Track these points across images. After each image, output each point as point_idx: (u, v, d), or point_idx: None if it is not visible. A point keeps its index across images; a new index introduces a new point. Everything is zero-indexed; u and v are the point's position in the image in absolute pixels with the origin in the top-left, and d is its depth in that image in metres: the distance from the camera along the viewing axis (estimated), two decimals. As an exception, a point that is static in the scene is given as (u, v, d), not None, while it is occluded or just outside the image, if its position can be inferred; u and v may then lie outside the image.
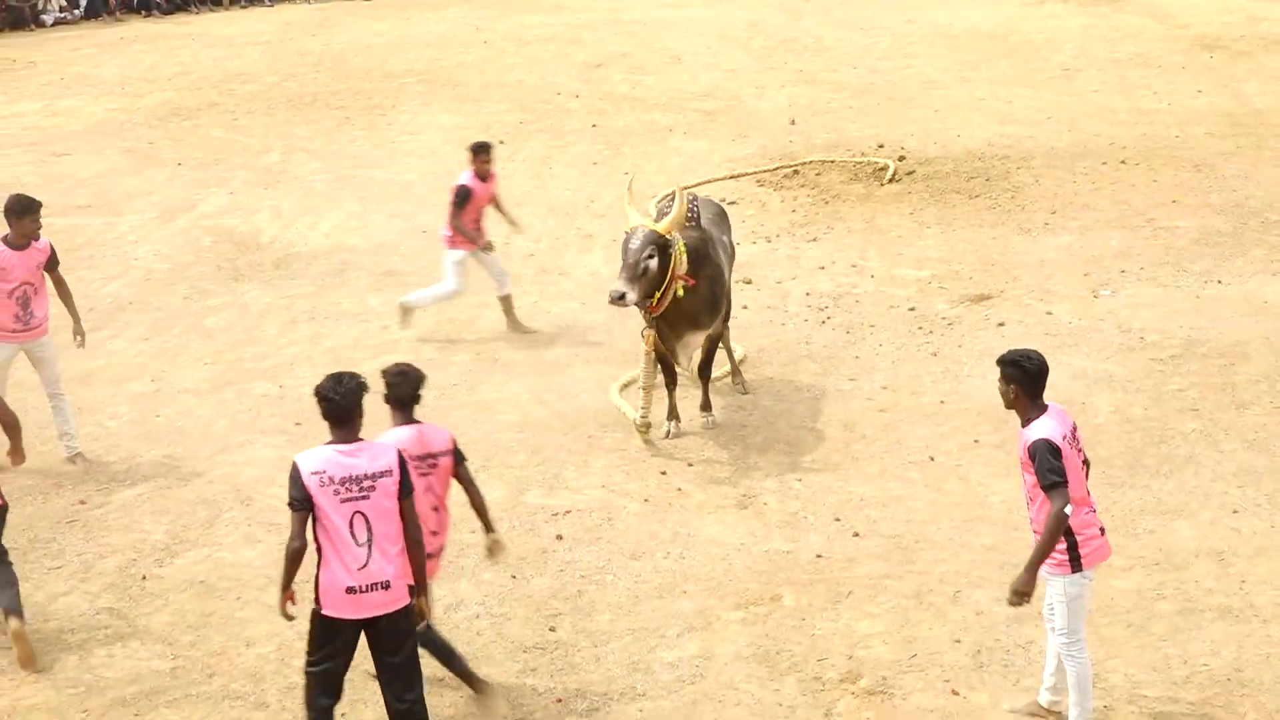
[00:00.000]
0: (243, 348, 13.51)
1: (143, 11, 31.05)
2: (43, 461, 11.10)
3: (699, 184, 17.84)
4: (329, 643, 7.33)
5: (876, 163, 18.45)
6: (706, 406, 11.95)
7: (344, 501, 7.08)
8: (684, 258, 11.30)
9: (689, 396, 12.05)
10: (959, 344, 13.27)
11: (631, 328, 13.40)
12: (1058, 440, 7.46)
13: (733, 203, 16.84)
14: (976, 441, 11.38)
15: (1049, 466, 7.43)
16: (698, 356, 12.09)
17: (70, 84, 24.14)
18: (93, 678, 8.51)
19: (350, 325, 14.05)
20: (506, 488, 10.78)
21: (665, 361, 11.81)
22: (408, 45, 26.44)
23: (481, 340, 13.67)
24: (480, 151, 13.80)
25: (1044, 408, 7.63)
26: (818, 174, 18.31)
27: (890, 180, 17.84)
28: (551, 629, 9.01)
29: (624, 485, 10.88)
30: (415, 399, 8.06)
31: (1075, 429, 7.71)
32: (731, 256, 12.35)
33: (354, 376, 7.37)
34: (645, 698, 8.29)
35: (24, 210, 10.89)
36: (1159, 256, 15.23)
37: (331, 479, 7.09)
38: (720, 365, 12.46)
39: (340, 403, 7.23)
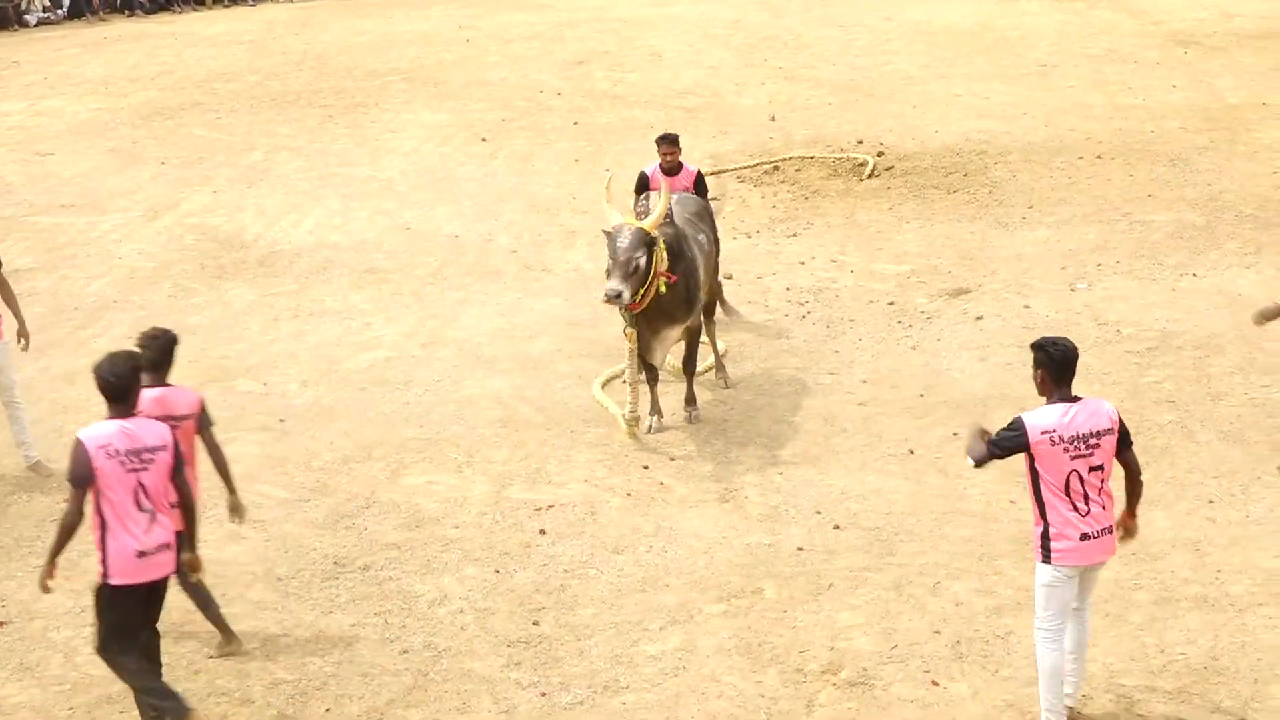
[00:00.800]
0: (226, 345, 13.48)
1: (126, 11, 30.93)
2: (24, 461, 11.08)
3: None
4: (125, 613, 7.58)
5: (856, 158, 18.46)
6: (690, 401, 11.94)
7: (129, 472, 7.43)
8: (664, 254, 11.33)
9: (671, 392, 12.05)
10: (938, 338, 13.28)
11: (616, 322, 13.40)
12: (1040, 429, 7.41)
13: (715, 199, 16.82)
14: (955, 434, 11.37)
15: (1000, 434, 7.48)
16: (681, 350, 12.09)
17: (54, 83, 24.03)
18: (78, 675, 8.48)
19: (333, 322, 14.01)
20: (490, 483, 10.77)
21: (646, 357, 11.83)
22: (390, 44, 26.38)
23: (464, 337, 13.64)
24: (662, 143, 13.33)
25: (1071, 398, 7.52)
26: (798, 170, 18.32)
27: (869, 176, 17.85)
28: (535, 623, 8.99)
29: (606, 480, 10.87)
30: (166, 362, 8.48)
31: (1099, 434, 7.47)
32: (708, 253, 12.32)
33: (131, 357, 7.72)
34: (628, 690, 8.28)
35: None
36: (1135, 250, 15.26)
37: (119, 451, 7.42)
38: (703, 359, 12.46)
39: (117, 383, 7.53)
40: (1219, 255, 15.03)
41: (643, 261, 11.13)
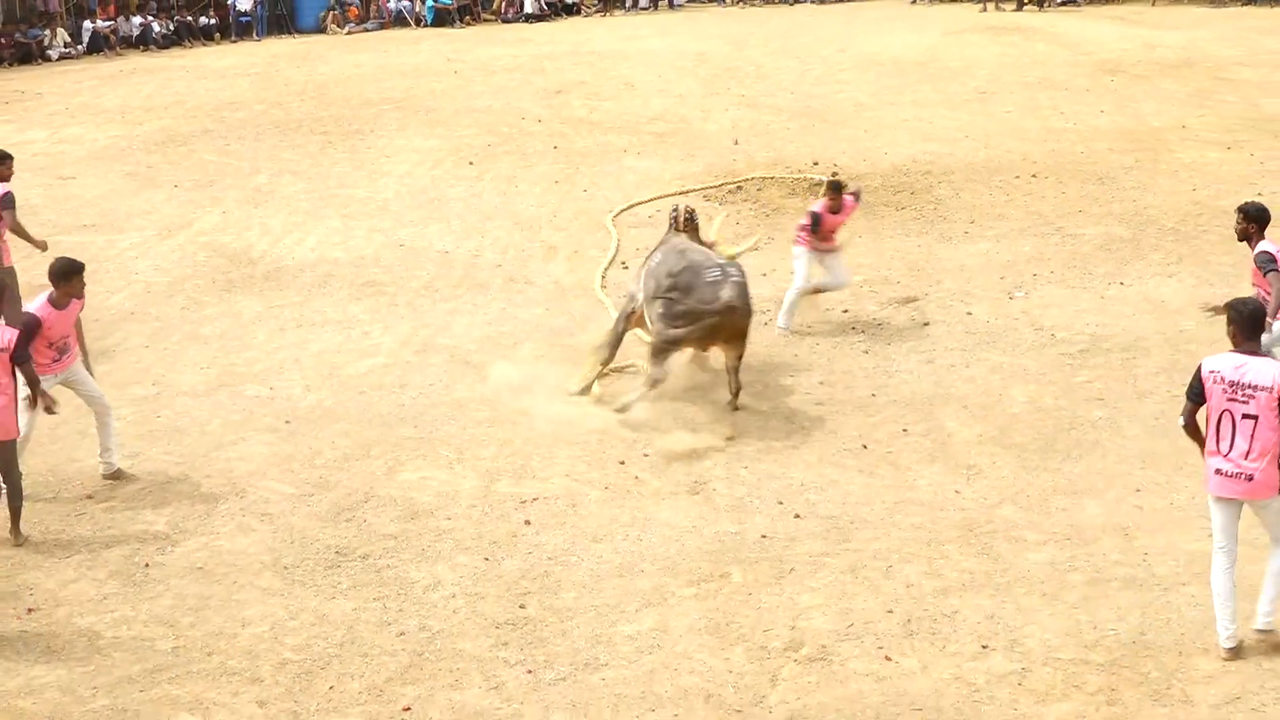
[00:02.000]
0: (235, 353, 13.43)
1: (141, 46, 30.83)
2: (53, 459, 11.03)
3: (650, 199, 17.87)
4: None
5: (812, 178, 18.48)
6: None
7: None
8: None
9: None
10: (888, 342, 13.30)
11: (592, 328, 13.42)
12: (1209, 368, 7.99)
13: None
14: (905, 430, 11.40)
15: (1189, 385, 8.14)
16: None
17: (74, 113, 23.94)
18: (101, 657, 8.44)
19: (334, 331, 13.97)
20: (479, 478, 10.75)
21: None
22: (385, 75, 26.34)
23: (455, 344, 13.62)
24: (830, 190, 13.91)
25: (1252, 352, 7.97)
26: (759, 189, 18.33)
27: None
28: (521, 606, 8.98)
29: (586, 474, 10.86)
30: None
31: (1256, 388, 7.87)
32: (645, 288, 12.17)
33: None
34: (608, 667, 8.27)
35: (70, 272, 10.42)
36: (1067, 261, 15.31)
37: None
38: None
39: None
40: (1144, 265, 15.09)
41: None
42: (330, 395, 12.45)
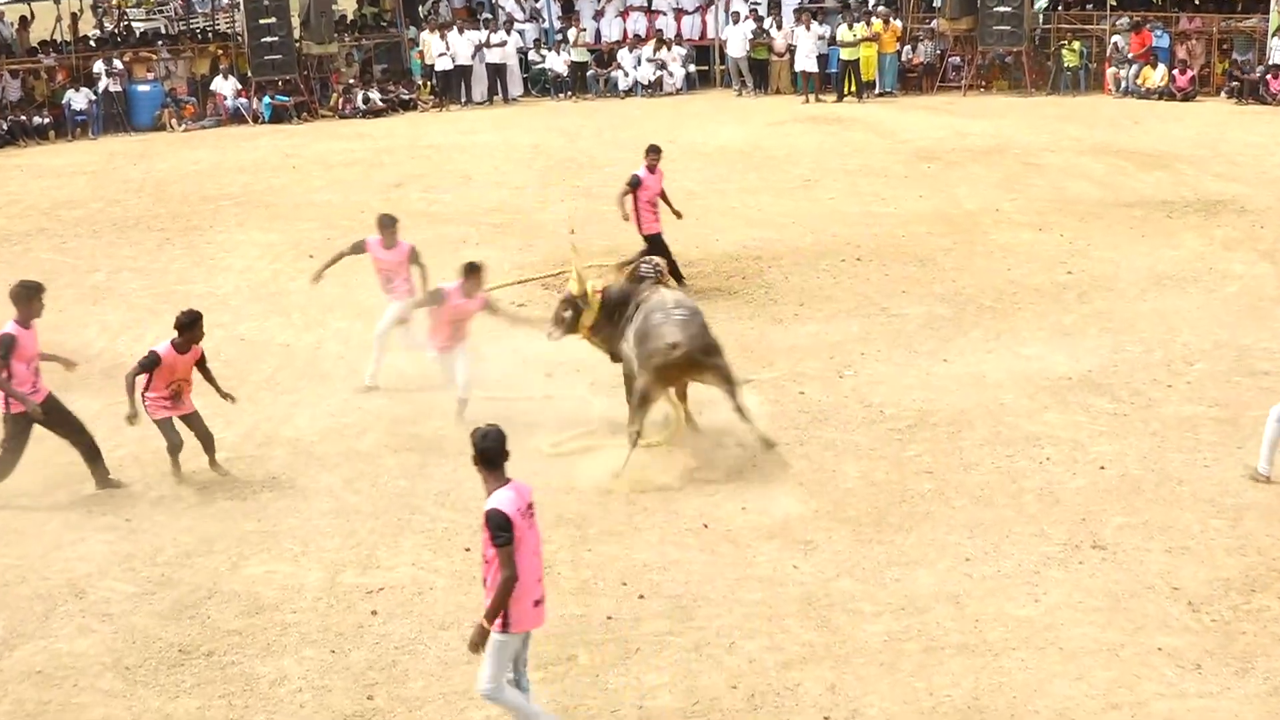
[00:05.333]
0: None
1: (-28, 146, 30.02)
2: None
3: (491, 289, 17.78)
4: None
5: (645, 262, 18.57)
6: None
7: None
8: (593, 314, 12.80)
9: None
10: (725, 422, 13.35)
11: (436, 418, 13.28)
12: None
13: (522, 304, 16.84)
14: (744, 509, 11.46)
15: None
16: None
17: (-97, 213, 23.18)
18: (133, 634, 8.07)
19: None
20: (324, 569, 10.55)
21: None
22: (223, 171, 25.99)
23: (297, 436, 13.38)
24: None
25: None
26: (598, 276, 18.35)
27: (657, 281, 17.93)
28: (369, 697, 8.80)
29: (432, 562, 10.71)
30: None
31: None
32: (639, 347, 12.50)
33: None
34: (457, 756, 8.13)
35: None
36: (892, 340, 15.59)
37: None
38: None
39: None
40: (965, 342, 15.42)
41: (568, 316, 12.89)
42: (171, 490, 12.14)
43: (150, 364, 12.12)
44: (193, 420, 12.38)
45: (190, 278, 19.02)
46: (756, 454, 12.48)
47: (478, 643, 7.90)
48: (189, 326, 12.22)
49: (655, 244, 17.02)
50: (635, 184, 17.22)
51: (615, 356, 13.11)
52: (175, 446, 12.27)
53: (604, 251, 19.50)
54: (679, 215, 17.69)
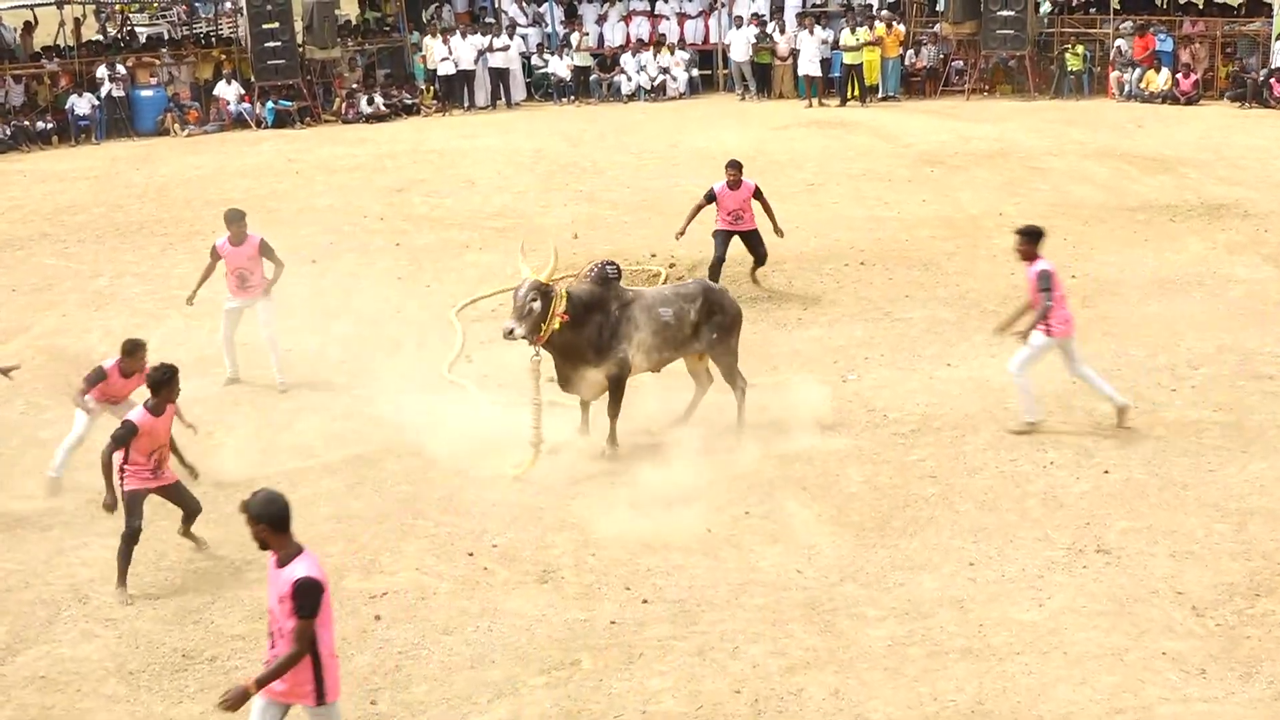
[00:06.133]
0: (76, 455, 12.99)
1: (-25, 151, 30.04)
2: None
3: (493, 294, 17.84)
4: None
5: (650, 270, 18.62)
6: (611, 440, 12.62)
7: None
8: (564, 301, 12.14)
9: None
10: (727, 426, 13.35)
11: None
12: None
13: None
14: (747, 513, 11.45)
15: None
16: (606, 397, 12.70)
17: (-93, 219, 23.21)
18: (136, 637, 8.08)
19: (177, 433, 13.59)
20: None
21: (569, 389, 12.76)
22: (225, 176, 26.00)
23: (300, 442, 13.39)
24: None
25: None
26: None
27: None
28: (373, 702, 8.80)
29: (435, 567, 10.72)
30: None
31: None
32: (671, 325, 12.81)
33: None
34: (460, 761, 8.13)
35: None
36: (896, 344, 15.59)
37: None
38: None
39: None
40: (969, 346, 15.41)
41: (536, 306, 11.98)
42: (174, 496, 12.12)
43: (126, 436, 10.31)
44: (174, 492, 10.90)
45: (192, 283, 18.95)
46: (756, 455, 12.48)
47: (236, 703, 7.01)
48: (165, 384, 10.45)
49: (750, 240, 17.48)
50: (710, 198, 17.41)
51: (566, 380, 12.63)
52: (134, 534, 10.45)
53: (607, 255, 19.50)
54: (780, 234, 17.56)
